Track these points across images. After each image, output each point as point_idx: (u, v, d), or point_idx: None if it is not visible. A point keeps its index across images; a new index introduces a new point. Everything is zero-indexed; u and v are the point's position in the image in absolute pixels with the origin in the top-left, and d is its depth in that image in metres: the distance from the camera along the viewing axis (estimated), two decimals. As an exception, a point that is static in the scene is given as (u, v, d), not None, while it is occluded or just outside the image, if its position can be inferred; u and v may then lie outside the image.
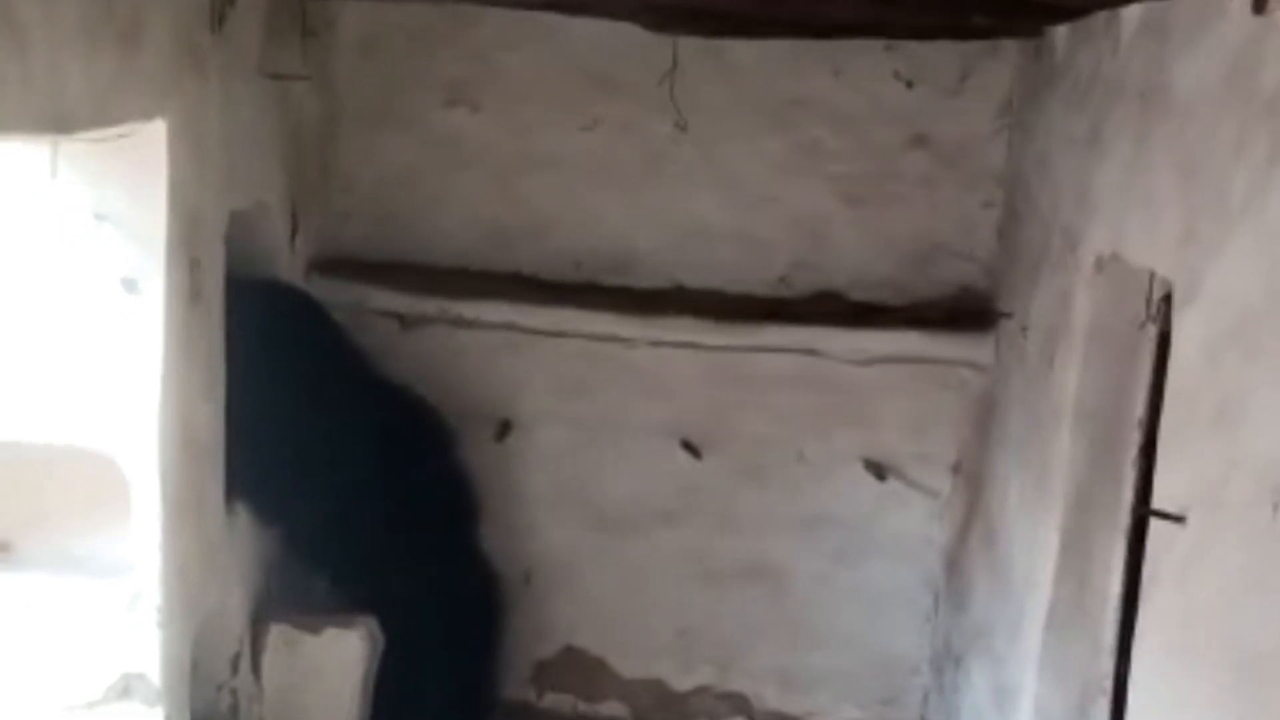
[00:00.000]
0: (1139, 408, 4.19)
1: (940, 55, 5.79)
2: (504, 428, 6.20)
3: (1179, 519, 3.35)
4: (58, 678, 4.46)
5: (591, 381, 6.16)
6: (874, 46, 5.77)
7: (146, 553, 4.43)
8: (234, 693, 5.22)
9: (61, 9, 3.48)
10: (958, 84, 5.87)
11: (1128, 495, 4.20)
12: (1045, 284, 4.91)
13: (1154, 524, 3.57)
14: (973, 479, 5.80)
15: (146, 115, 4.07)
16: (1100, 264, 4.23)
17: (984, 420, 5.74)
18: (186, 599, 4.63)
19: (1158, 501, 3.54)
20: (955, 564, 5.95)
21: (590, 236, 6.12)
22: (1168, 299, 3.84)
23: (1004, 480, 5.29)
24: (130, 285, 4.25)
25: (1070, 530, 4.39)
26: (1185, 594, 3.33)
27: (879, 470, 6.07)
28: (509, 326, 6.04)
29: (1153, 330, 4.09)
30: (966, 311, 5.91)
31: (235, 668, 5.23)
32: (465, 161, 6.11)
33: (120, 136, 4.00)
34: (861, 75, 5.91)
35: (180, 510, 4.51)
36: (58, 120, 3.60)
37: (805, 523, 6.18)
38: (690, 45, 5.75)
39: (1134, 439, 4.20)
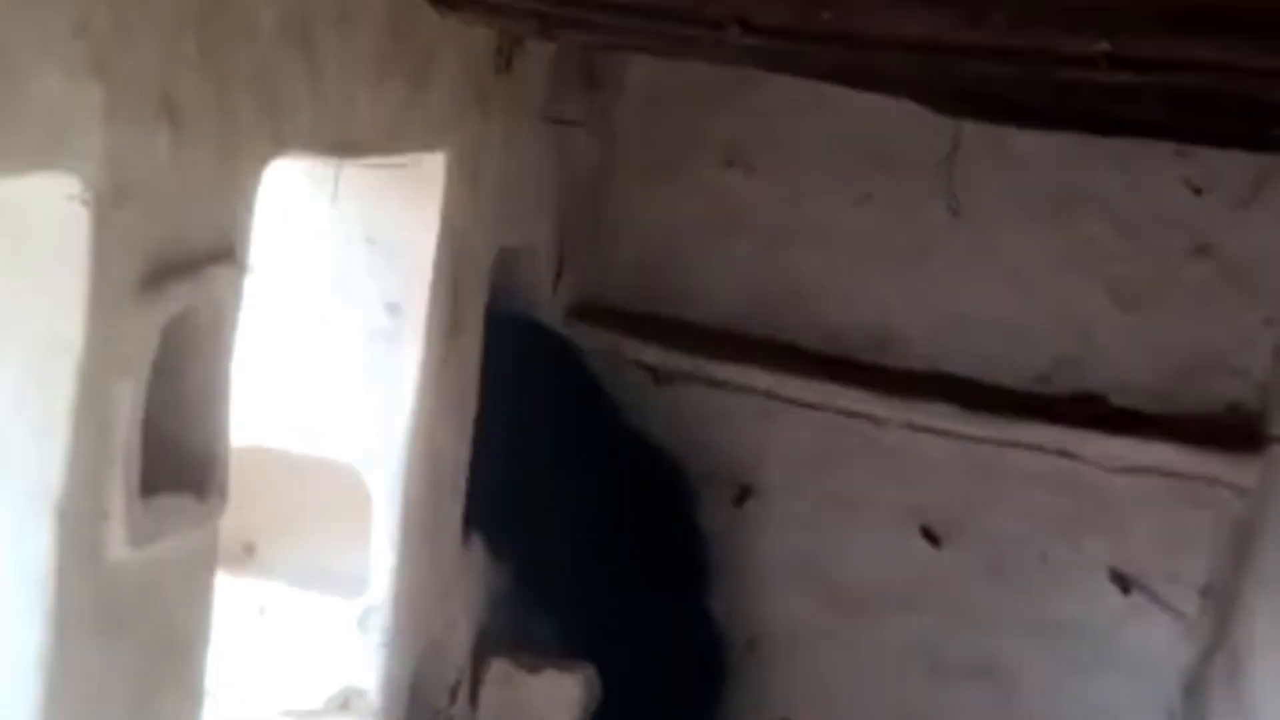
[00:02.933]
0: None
1: (1233, 164, 5.58)
2: (744, 493, 6.16)
3: None
4: (282, 684, 4.58)
5: (837, 456, 6.08)
6: (1163, 149, 5.60)
7: (382, 572, 4.53)
8: (450, 721, 5.30)
9: (357, 37, 3.61)
10: (1249, 195, 5.67)
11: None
12: (1320, 410, 4.71)
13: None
14: (1223, 604, 5.57)
15: (428, 147, 4.19)
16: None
17: (1241, 546, 5.51)
18: (415, 622, 4.71)
19: None
20: (1194, 690, 5.70)
21: (852, 311, 6.06)
22: None
23: (1254, 610, 5.07)
24: (393, 309, 4.36)
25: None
26: None
27: (1124, 582, 5.86)
28: (761, 392, 6.00)
29: None
30: (1234, 430, 5.69)
31: (454, 697, 5.30)
32: (735, 223, 6.12)
33: (400, 166, 4.11)
34: (1147, 177, 5.75)
35: (419, 533, 4.60)
36: (344, 145, 3.74)
37: (1041, 627, 5.98)
38: (973, 130, 5.66)
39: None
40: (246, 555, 4.65)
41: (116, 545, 2.68)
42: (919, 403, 5.89)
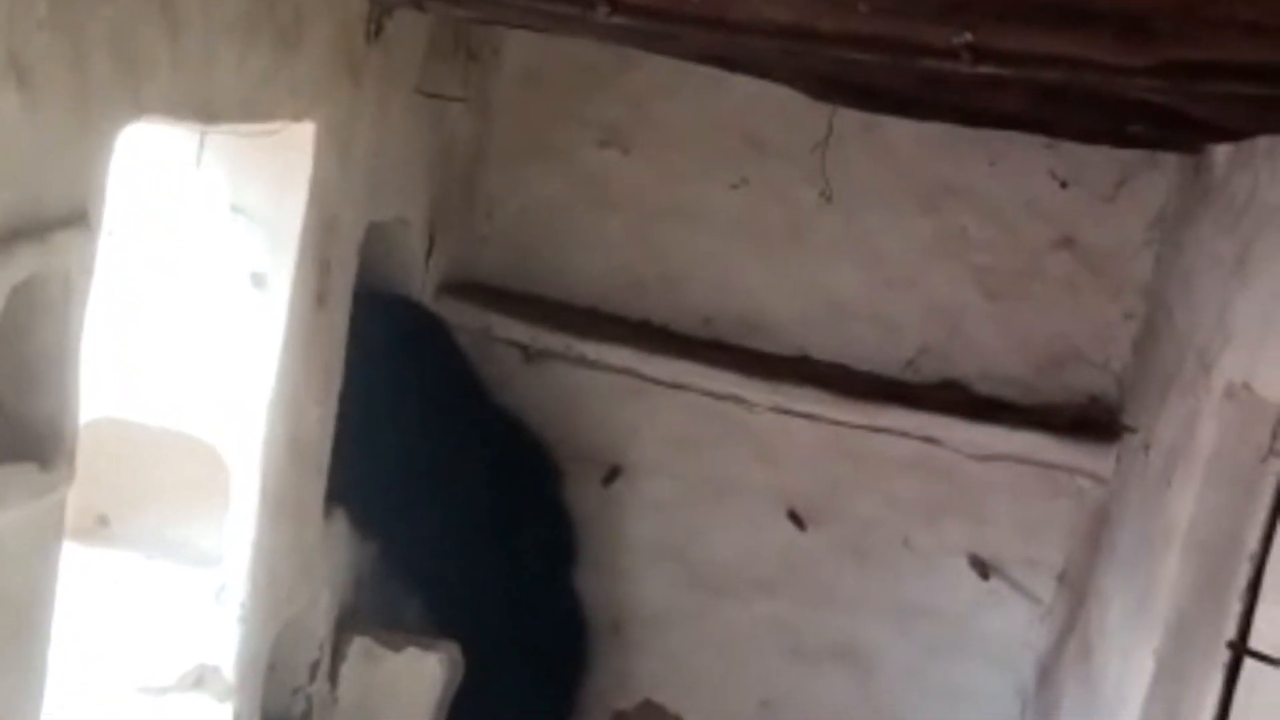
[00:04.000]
0: (1252, 542, 4.04)
1: (1098, 159, 5.68)
2: (613, 473, 6.17)
3: (1275, 661, 3.25)
4: (134, 659, 4.50)
5: (706, 438, 6.11)
6: (1033, 142, 5.68)
7: (238, 546, 4.47)
8: (309, 699, 5.24)
9: None
10: (1113, 190, 5.77)
11: (1229, 629, 4.06)
12: (1174, 403, 4.79)
13: (1248, 663, 3.46)
14: (1077, 590, 5.66)
15: (296, 116, 4.13)
16: (1231, 391, 4.11)
17: (1096, 533, 5.61)
18: (272, 597, 4.66)
19: (1255, 640, 3.43)
20: (1048, 673, 5.80)
21: (723, 294, 6.09)
22: (1294, 434, 3.72)
23: (1108, 596, 5.16)
24: (259, 280, 4.30)
25: (1167, 656, 4.26)
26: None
27: (984, 568, 5.95)
28: (631, 372, 6.01)
29: (1276, 465, 3.97)
30: (1092, 421, 5.79)
31: (313, 674, 5.25)
32: (610, 203, 6.12)
33: (267, 134, 4.05)
34: (1016, 169, 5.83)
35: (277, 508, 4.54)
36: (206, 110, 3.66)
37: (902, 610, 6.07)
38: (847, 117, 5.71)
39: (1244, 572, 4.07)
40: (100, 528, 4.56)
41: (-45, 514, 2.62)
42: (788, 387, 5.93)
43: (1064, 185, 5.79)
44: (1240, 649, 3.77)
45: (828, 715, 6.20)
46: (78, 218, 2.89)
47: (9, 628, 2.95)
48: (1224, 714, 3.96)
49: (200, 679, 4.49)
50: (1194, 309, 4.81)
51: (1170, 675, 4.25)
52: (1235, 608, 4.05)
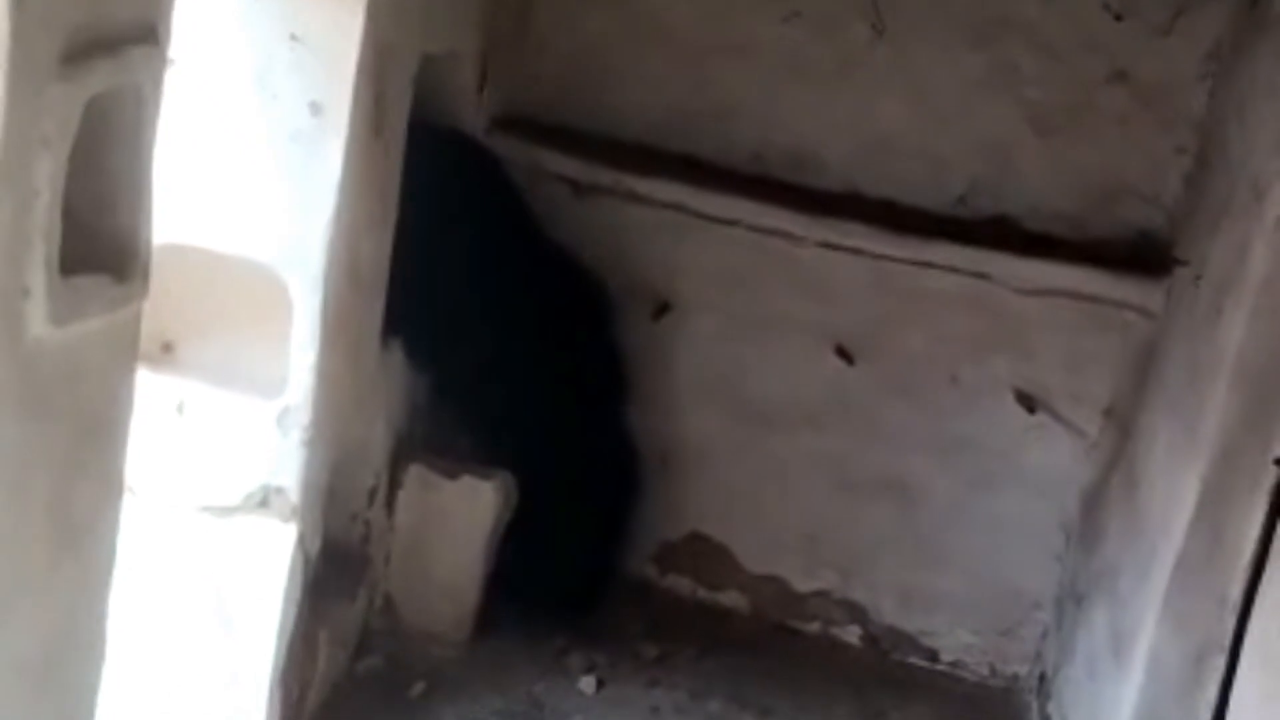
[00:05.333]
0: (1301, 366, 4.11)
1: (1154, -9, 5.64)
2: (662, 308, 6.22)
3: (1320, 480, 3.31)
4: (200, 482, 4.63)
5: (754, 274, 6.15)
6: (1086, -27, 5.65)
7: (301, 371, 4.56)
8: (367, 524, 5.37)
9: None
10: (1168, 23, 5.70)
11: (1276, 450, 4.13)
12: (1225, 235, 4.81)
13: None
14: (1123, 424, 5.72)
15: (358, -56, 4.14)
16: (1283, 218, 4.14)
17: (1143, 367, 5.65)
18: (333, 423, 4.76)
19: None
20: (1092, 506, 5.89)
21: (772, 129, 6.08)
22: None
23: (1154, 430, 5.22)
24: (316, 109, 4.34)
25: (1212, 483, 4.34)
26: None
27: (1030, 403, 6.00)
28: (679, 208, 6.03)
29: (1326, 292, 4.01)
30: (1143, 255, 5.80)
31: (371, 500, 5.38)
32: (660, 38, 6.08)
33: (325, -38, 4.07)
34: (1070, 1, 5.78)
35: (337, 335, 4.62)
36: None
37: (948, 444, 6.14)
38: (901, -52, 5.68)
39: (1291, 396, 4.13)
40: (164, 354, 4.65)
41: (38, 323, 2.68)
42: (836, 222, 5.95)
43: (1118, 18, 5.73)
44: (1286, 470, 3.85)
45: (872, 547, 6.32)
46: (148, 33, 2.93)
47: (91, 440, 3.03)
48: (1268, 535, 4.04)
49: (265, 500, 4.61)
50: (1248, 140, 4.81)
51: (1215, 498, 4.33)
52: (1282, 430, 4.13)
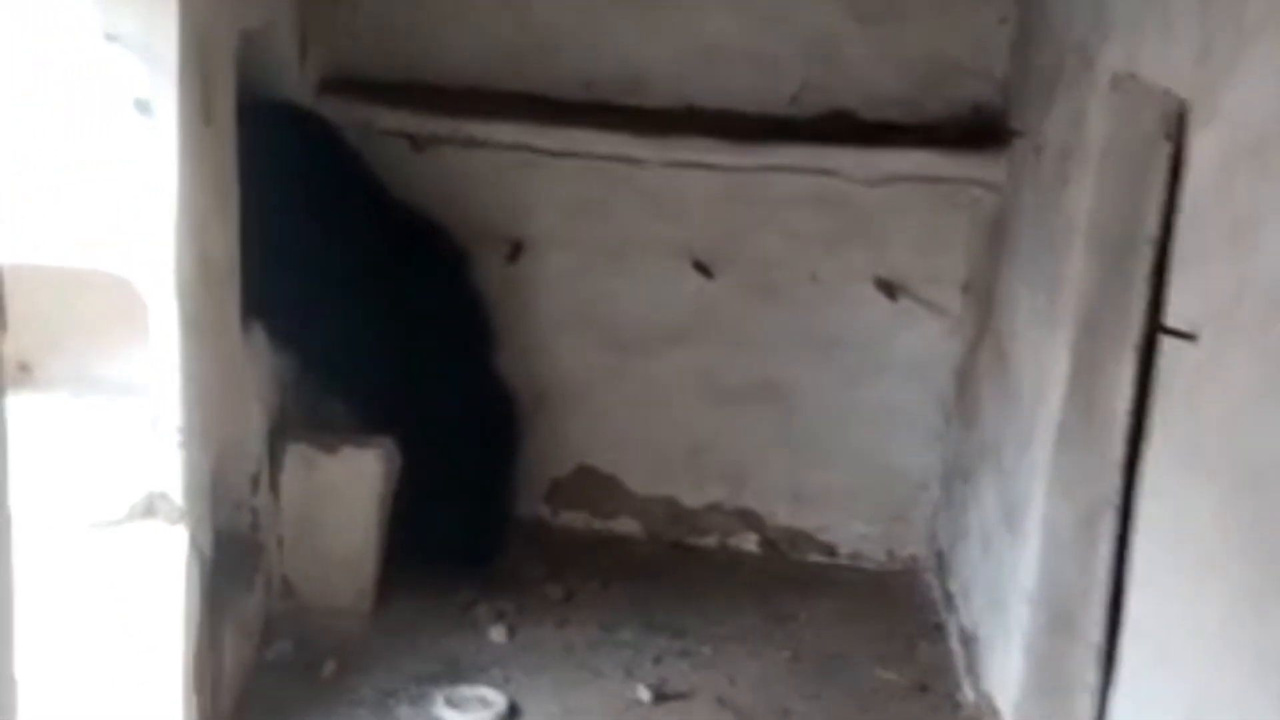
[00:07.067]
0: (1152, 226, 4.19)
1: None
2: (516, 249, 6.20)
3: (1190, 336, 3.39)
4: (81, 497, 4.54)
5: (603, 203, 6.15)
6: None
7: (165, 374, 4.47)
8: (254, 511, 5.31)
9: None
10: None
11: (1139, 313, 4.22)
12: (1060, 102, 4.88)
13: (1165, 341, 3.61)
14: (983, 298, 5.82)
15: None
16: (1116, 82, 4.21)
17: (995, 240, 5.75)
18: (206, 419, 4.68)
19: (1169, 319, 3.58)
20: (966, 382, 6.00)
21: (600, 56, 6.06)
22: (1182, 117, 3.82)
23: (1014, 299, 5.32)
24: (143, 106, 4.22)
25: (1080, 347, 4.42)
26: (1194, 410, 3.38)
27: (890, 290, 6.09)
28: (520, 147, 6.01)
29: (1167, 149, 4.08)
30: (979, 130, 5.88)
31: (255, 487, 5.31)
32: (475, -22, 6.04)
33: (129, -45, 3.96)
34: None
35: (198, 331, 4.54)
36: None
37: (817, 342, 6.21)
38: None
39: (1146, 257, 4.22)
40: (23, 374, 4.54)
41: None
42: (674, 139, 5.97)
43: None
44: (1154, 329, 3.93)
45: (757, 453, 6.39)
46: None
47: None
48: (1141, 395, 4.15)
49: (150, 507, 4.53)
50: (1069, 6, 4.87)
51: (1085, 365, 4.42)
52: (1143, 291, 4.22)
